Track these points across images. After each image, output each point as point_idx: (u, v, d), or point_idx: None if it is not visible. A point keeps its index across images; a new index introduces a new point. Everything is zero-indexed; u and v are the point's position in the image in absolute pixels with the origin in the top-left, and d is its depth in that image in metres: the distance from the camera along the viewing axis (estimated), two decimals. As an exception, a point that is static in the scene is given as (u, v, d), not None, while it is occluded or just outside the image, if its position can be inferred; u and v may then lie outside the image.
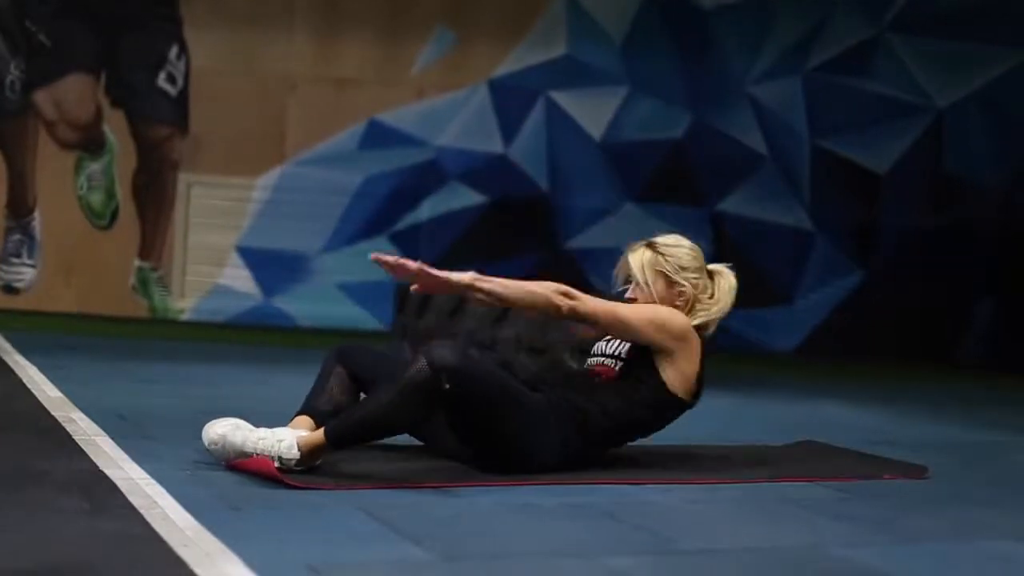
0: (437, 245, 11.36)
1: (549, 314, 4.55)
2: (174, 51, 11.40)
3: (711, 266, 4.81)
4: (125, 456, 4.38)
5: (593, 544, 3.53)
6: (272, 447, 4.16)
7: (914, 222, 11.80)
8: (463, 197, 11.49)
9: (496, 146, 11.47)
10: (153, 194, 11.38)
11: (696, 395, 4.74)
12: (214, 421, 4.32)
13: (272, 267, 11.29)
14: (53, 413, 5.38)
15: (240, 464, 4.22)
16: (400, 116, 11.56)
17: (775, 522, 3.96)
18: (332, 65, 11.51)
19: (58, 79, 11.35)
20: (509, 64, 11.62)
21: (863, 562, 3.46)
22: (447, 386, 4.08)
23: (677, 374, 4.62)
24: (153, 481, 3.96)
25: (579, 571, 3.22)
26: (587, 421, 4.50)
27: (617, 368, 4.62)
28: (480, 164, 11.51)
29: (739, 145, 11.71)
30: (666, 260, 4.71)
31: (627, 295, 4.73)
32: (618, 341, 4.68)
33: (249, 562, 3.03)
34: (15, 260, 11.29)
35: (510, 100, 11.46)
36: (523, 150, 11.49)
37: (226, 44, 11.46)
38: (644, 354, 4.59)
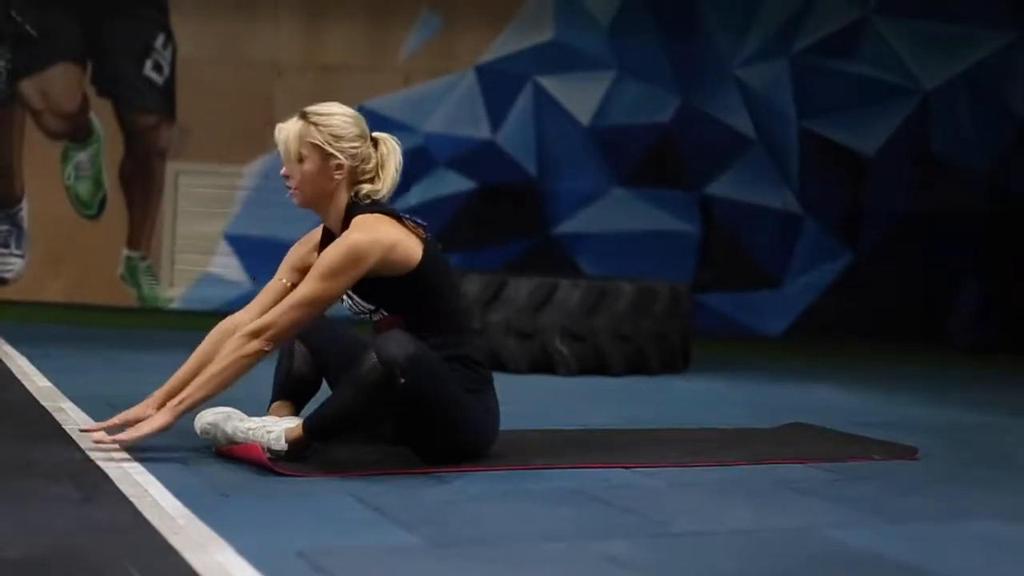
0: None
1: (260, 359, 4.20)
2: (160, 40, 11.36)
3: (376, 134, 4.49)
4: (114, 445, 4.37)
5: (584, 528, 3.53)
6: (261, 437, 4.16)
7: (902, 204, 11.80)
8: (451, 183, 11.47)
9: (484, 132, 11.45)
10: (141, 183, 11.35)
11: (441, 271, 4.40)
12: (206, 409, 4.32)
13: (261, 255, 11.24)
14: (43, 403, 5.38)
15: (229, 451, 4.22)
16: (387, 102, 11.53)
17: (766, 504, 3.97)
18: (318, 52, 11.49)
19: (44, 68, 11.31)
20: (496, 49, 11.59)
21: (854, 543, 3.46)
22: (402, 381, 4.03)
23: (401, 264, 4.28)
24: (143, 469, 3.96)
25: (570, 556, 3.22)
26: (460, 372, 4.31)
27: (385, 313, 4.35)
28: (468, 150, 11.49)
29: (727, 128, 11.69)
30: (319, 130, 4.32)
31: (282, 171, 4.43)
32: (350, 301, 4.40)
33: (240, 549, 3.03)
34: (3, 251, 11.26)
35: (497, 85, 11.44)
36: (511, 135, 11.47)
37: (212, 32, 11.42)
38: (381, 287, 4.31)
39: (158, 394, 4.36)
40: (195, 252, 11.34)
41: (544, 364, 7.90)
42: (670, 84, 11.65)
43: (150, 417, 4.22)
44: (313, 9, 11.43)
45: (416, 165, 11.41)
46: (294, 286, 4.41)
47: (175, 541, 3.10)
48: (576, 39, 11.59)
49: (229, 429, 4.23)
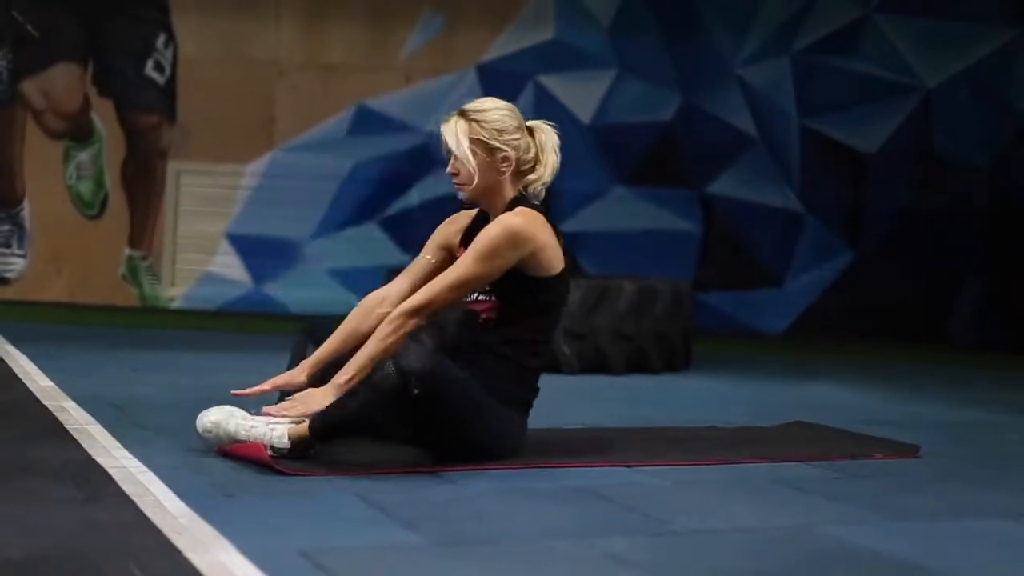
0: (428, 230, 11.32)
1: (408, 334, 4.29)
2: (161, 39, 11.37)
3: (530, 123, 4.59)
4: (118, 444, 4.38)
5: (587, 527, 3.54)
6: (264, 435, 4.16)
7: (904, 202, 11.80)
8: (453, 183, 11.47)
9: (485, 131, 11.45)
10: (142, 183, 11.35)
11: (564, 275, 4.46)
12: (208, 409, 4.33)
13: (262, 254, 11.27)
14: (45, 403, 5.38)
15: (232, 450, 4.22)
16: (389, 102, 11.53)
17: (768, 502, 3.97)
18: (320, 51, 11.49)
19: (45, 68, 11.31)
20: (497, 49, 11.60)
21: (855, 541, 3.47)
22: (416, 391, 4.05)
23: (544, 267, 4.37)
24: (146, 469, 3.96)
25: (573, 554, 3.22)
26: (514, 384, 4.38)
27: (494, 299, 4.40)
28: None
29: (728, 127, 11.70)
30: (481, 126, 4.40)
31: (448, 169, 4.47)
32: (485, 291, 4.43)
33: (242, 549, 3.03)
34: (5, 250, 11.27)
35: (499, 84, 11.42)
36: (512, 135, 11.46)
37: (213, 32, 11.43)
38: (512, 276, 4.35)
39: (306, 363, 4.43)
40: (196, 251, 11.35)
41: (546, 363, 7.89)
42: (671, 83, 11.66)
43: (312, 393, 4.29)
44: (314, 9, 11.44)
45: (417, 165, 11.42)
46: (437, 264, 4.53)
47: (178, 541, 3.10)
48: (577, 38, 11.59)
49: (232, 427, 4.23)
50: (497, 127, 4.43)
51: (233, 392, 4.43)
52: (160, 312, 11.15)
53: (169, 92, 11.36)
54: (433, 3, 11.58)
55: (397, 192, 11.46)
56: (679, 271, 10.78)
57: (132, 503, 3.50)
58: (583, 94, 11.58)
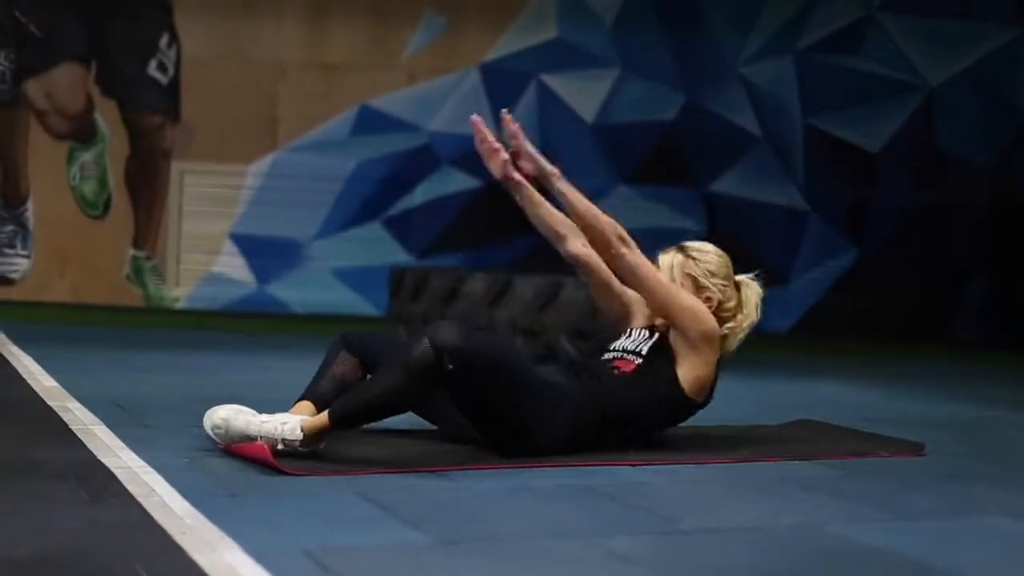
0: (430, 230, 11.35)
1: (597, 245, 4.64)
2: (164, 40, 11.37)
3: (738, 277, 4.85)
4: (122, 445, 4.38)
5: (592, 526, 3.53)
6: (275, 430, 4.17)
7: (907, 200, 11.80)
8: (456, 181, 11.47)
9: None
10: (146, 183, 11.36)
11: (709, 397, 4.74)
12: (216, 407, 4.33)
13: (266, 254, 11.28)
14: (49, 403, 5.38)
15: (237, 449, 4.22)
16: (391, 101, 11.54)
17: (774, 501, 3.97)
18: (322, 51, 11.49)
19: (49, 69, 11.32)
20: (500, 48, 11.60)
21: (862, 539, 3.46)
22: (450, 367, 4.07)
23: (692, 376, 4.61)
24: (150, 469, 3.96)
25: (579, 553, 3.21)
26: (602, 409, 4.50)
27: (636, 363, 4.62)
28: (472, 148, 11.44)
29: (732, 126, 11.70)
30: (696, 264, 4.74)
31: None
32: (640, 338, 4.68)
33: (247, 548, 3.03)
34: (9, 251, 11.27)
35: (502, 84, 11.44)
36: (516, 134, 11.45)
37: (216, 32, 11.44)
38: (663, 353, 4.60)
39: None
40: (200, 251, 11.35)
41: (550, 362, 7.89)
42: (674, 82, 11.65)
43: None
44: (317, 9, 11.44)
45: (421, 164, 11.42)
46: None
47: (182, 541, 3.09)
48: (580, 37, 11.59)
49: (242, 424, 4.23)
50: (711, 269, 4.76)
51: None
52: (164, 312, 11.16)
53: (172, 92, 11.36)
54: (435, 3, 11.57)
55: (400, 192, 11.46)
56: (683, 270, 10.77)
57: (136, 503, 3.50)
58: (586, 93, 11.58)
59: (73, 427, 4.75)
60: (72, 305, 10.99)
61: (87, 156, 11.34)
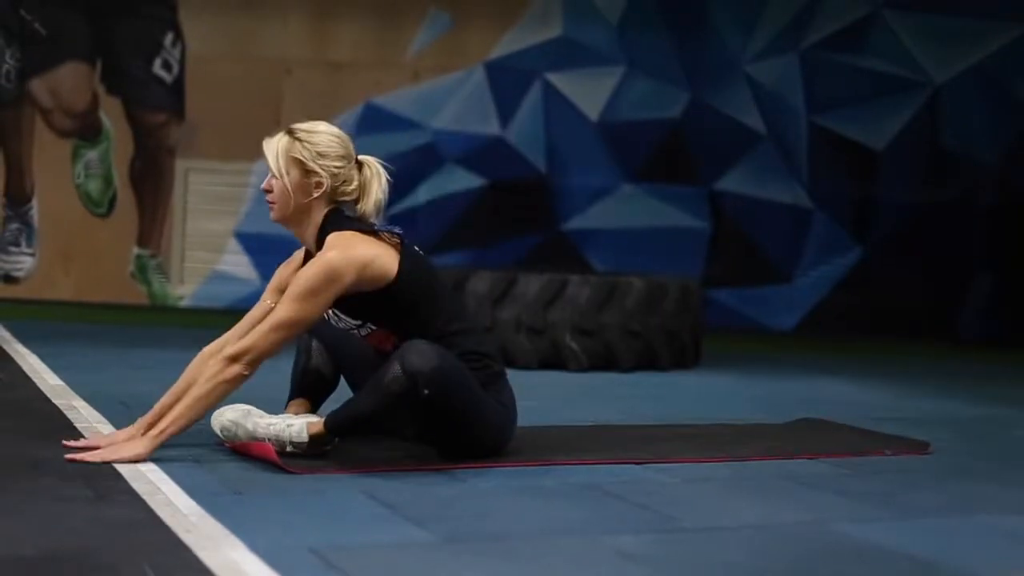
0: (435, 228, 11.34)
1: (240, 383, 4.14)
2: (169, 38, 11.38)
3: (362, 157, 4.45)
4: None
5: (596, 524, 3.54)
6: (283, 432, 4.18)
7: (912, 198, 11.78)
8: (460, 180, 11.47)
9: (493, 128, 11.45)
10: (151, 181, 11.36)
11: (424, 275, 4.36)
12: (224, 407, 4.33)
13: (271, 252, 11.26)
14: (54, 401, 5.39)
15: (242, 448, 4.23)
16: (396, 99, 11.53)
17: (778, 499, 3.97)
18: (327, 49, 11.49)
19: (54, 67, 11.33)
20: (505, 46, 11.59)
21: (866, 538, 3.46)
22: (426, 392, 4.04)
23: (381, 277, 4.25)
24: (156, 467, 3.97)
25: (582, 551, 3.22)
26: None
27: (373, 328, 4.35)
28: (477, 146, 11.49)
29: (736, 124, 11.68)
30: (304, 146, 4.30)
31: (263, 185, 4.40)
32: (335, 318, 4.40)
33: (252, 546, 3.03)
34: (13, 249, 11.28)
35: (507, 82, 11.43)
36: (520, 132, 11.46)
37: (221, 30, 11.44)
38: (364, 302, 4.28)
39: (143, 420, 4.29)
40: (205, 250, 11.36)
41: (554, 360, 7.90)
42: (679, 80, 11.65)
43: (123, 442, 4.18)
44: (322, 7, 11.44)
45: (425, 162, 11.42)
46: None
47: (188, 539, 3.10)
48: (585, 35, 11.58)
49: (250, 426, 4.24)
50: (319, 150, 4.32)
51: (65, 444, 4.25)
52: (169, 310, 11.17)
53: (177, 90, 11.37)
54: (440, 1, 11.57)
55: (404, 190, 11.46)
56: (688, 268, 10.77)
57: (142, 501, 3.51)
58: (591, 91, 11.57)
59: (78, 425, 4.76)
60: (77, 303, 11.00)
61: (92, 154, 11.35)
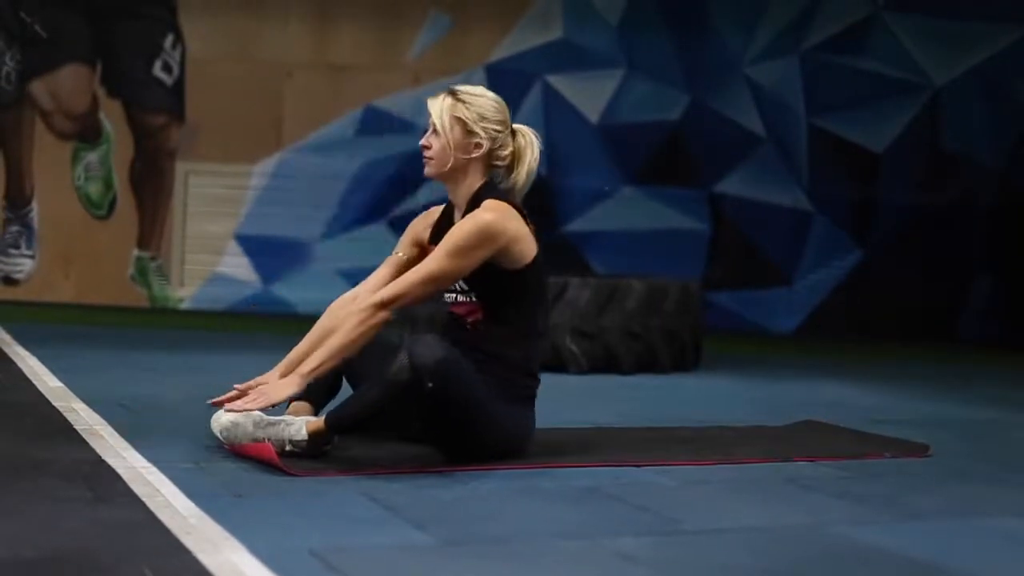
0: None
1: (378, 330, 4.27)
2: (169, 40, 11.38)
3: (517, 125, 4.59)
4: (127, 445, 4.38)
5: (596, 526, 3.53)
6: (282, 432, 4.18)
7: (912, 200, 11.79)
8: (461, 182, 11.47)
9: (493, 130, 11.45)
10: (151, 183, 11.37)
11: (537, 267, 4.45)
12: (221, 411, 4.34)
13: (271, 254, 11.29)
14: (54, 403, 5.39)
15: (241, 448, 4.23)
16: (397, 102, 11.54)
17: (778, 501, 3.97)
18: (328, 51, 11.50)
19: (54, 69, 11.34)
20: (505, 48, 11.60)
21: (866, 540, 3.46)
22: (429, 385, 4.06)
23: (517, 259, 4.36)
24: (155, 469, 3.96)
25: (583, 553, 3.22)
26: (511, 379, 4.37)
27: (474, 299, 4.41)
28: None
29: (736, 126, 11.69)
30: (467, 107, 4.47)
31: (422, 141, 4.57)
32: (460, 290, 4.45)
33: (252, 549, 3.03)
34: (13, 251, 11.29)
35: (507, 84, 11.41)
36: (520, 134, 11.46)
37: (221, 32, 11.45)
38: (487, 273, 4.35)
39: (278, 368, 4.47)
40: (205, 252, 11.36)
41: (554, 362, 7.89)
42: (679, 82, 11.65)
43: (273, 383, 4.34)
44: (322, 9, 11.45)
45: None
46: (409, 261, 4.56)
47: (187, 541, 3.10)
48: (585, 37, 11.59)
49: (250, 426, 4.24)
50: (481, 112, 4.46)
51: (210, 402, 4.41)
52: (169, 313, 11.17)
53: (177, 92, 11.37)
54: (441, 3, 11.58)
55: (405, 192, 11.46)
56: (688, 270, 10.77)
57: (142, 503, 3.50)
58: (591, 93, 11.58)
59: (78, 428, 4.76)
60: (77, 305, 11.00)
61: (92, 156, 11.36)
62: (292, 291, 11.25)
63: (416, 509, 3.58)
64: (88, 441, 4.46)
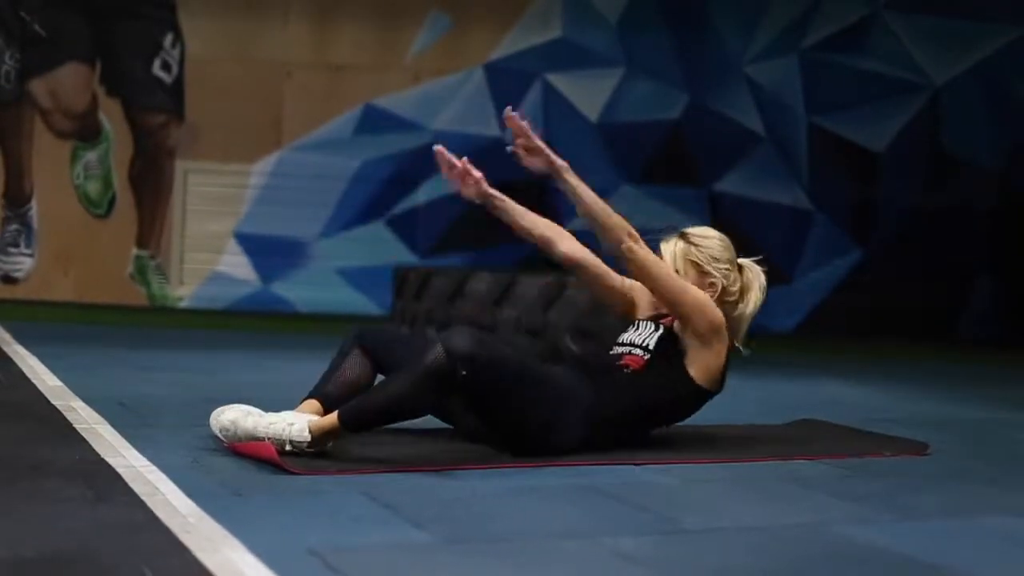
0: (434, 229, 11.35)
1: (607, 240, 4.63)
2: (169, 39, 11.38)
3: (740, 260, 4.82)
4: (126, 444, 4.38)
5: (596, 525, 3.53)
6: (283, 431, 4.17)
7: (912, 200, 11.79)
8: (460, 181, 11.46)
9: (493, 129, 11.44)
10: (150, 182, 11.37)
11: (720, 385, 4.74)
12: (223, 407, 4.33)
13: (270, 253, 11.28)
14: (53, 402, 5.38)
15: (242, 448, 4.22)
16: (396, 101, 11.54)
17: (777, 500, 3.97)
18: (327, 51, 11.50)
19: (53, 68, 11.34)
20: (505, 47, 11.60)
21: (866, 539, 3.46)
22: (463, 373, 4.08)
23: (703, 366, 4.61)
24: (155, 468, 3.96)
25: (583, 552, 3.21)
26: (616, 408, 4.50)
27: (645, 359, 4.59)
28: (477, 147, 11.40)
29: (736, 125, 11.69)
30: (699, 250, 4.71)
31: None
32: (647, 331, 4.66)
33: (251, 547, 3.03)
34: (13, 250, 11.28)
35: (506, 83, 11.44)
36: (520, 133, 11.45)
37: (221, 31, 11.44)
38: (671, 344, 4.59)
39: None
40: (204, 251, 11.36)
41: (554, 362, 7.89)
42: (679, 81, 11.65)
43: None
44: (322, 8, 11.45)
45: (425, 163, 11.41)
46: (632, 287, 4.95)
47: (187, 539, 3.09)
48: (585, 37, 11.59)
49: (250, 425, 4.23)
50: (713, 255, 4.73)
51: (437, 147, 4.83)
52: (168, 311, 11.17)
53: (177, 92, 11.37)
54: (440, 2, 11.58)
55: (404, 191, 11.46)
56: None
57: (141, 502, 3.50)
58: (591, 92, 11.58)
59: (77, 426, 4.75)
60: (76, 304, 11.00)
61: (91, 155, 11.35)
62: (291, 290, 11.25)
63: (416, 508, 3.58)
64: (87, 440, 4.45)
